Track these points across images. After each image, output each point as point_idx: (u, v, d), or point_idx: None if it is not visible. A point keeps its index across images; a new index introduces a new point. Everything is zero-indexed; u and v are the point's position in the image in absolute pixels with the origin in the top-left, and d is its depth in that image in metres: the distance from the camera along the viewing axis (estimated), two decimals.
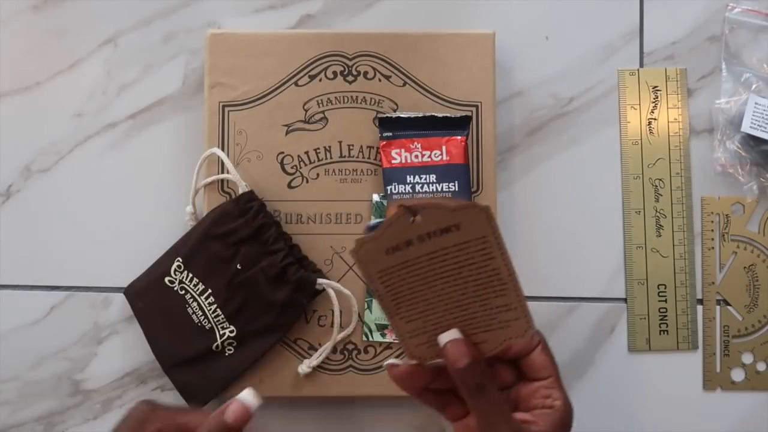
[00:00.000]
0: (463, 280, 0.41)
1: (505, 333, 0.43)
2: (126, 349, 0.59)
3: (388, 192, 0.56)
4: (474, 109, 0.58)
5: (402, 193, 0.55)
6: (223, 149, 0.57)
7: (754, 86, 0.60)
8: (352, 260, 0.42)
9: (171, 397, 0.58)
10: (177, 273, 0.56)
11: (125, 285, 0.57)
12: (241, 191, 0.55)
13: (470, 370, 0.41)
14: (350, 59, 0.58)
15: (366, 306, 0.56)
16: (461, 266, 0.41)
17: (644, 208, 0.60)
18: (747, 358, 0.59)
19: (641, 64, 0.62)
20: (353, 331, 0.56)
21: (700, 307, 0.60)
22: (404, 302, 0.43)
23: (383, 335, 0.56)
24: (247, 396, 0.43)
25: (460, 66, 0.58)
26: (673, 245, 0.60)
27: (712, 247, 0.60)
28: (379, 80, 0.58)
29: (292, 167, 0.57)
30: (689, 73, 0.62)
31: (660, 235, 0.60)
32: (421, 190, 0.56)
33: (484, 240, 0.40)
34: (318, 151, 0.57)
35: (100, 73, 0.61)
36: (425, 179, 0.56)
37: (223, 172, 0.57)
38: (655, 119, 0.61)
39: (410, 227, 0.40)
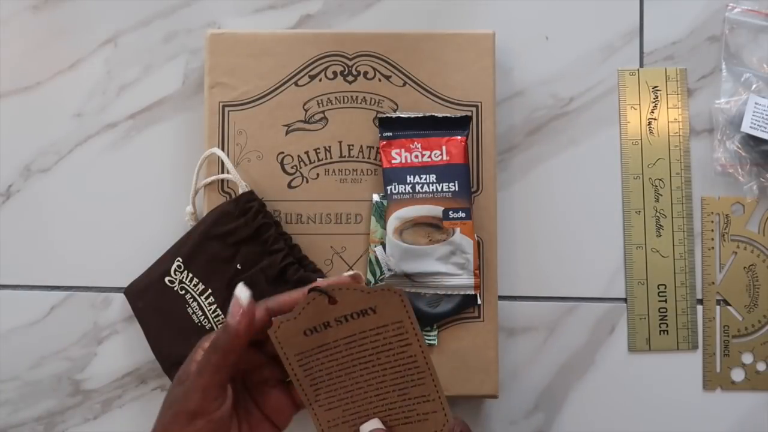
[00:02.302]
0: (382, 367, 0.41)
1: (424, 427, 0.42)
2: (126, 349, 0.59)
3: (388, 192, 0.56)
4: (474, 109, 0.58)
5: (402, 192, 0.55)
6: (223, 149, 0.57)
7: (754, 86, 0.60)
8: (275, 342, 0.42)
9: None
10: (177, 273, 0.56)
11: (125, 285, 0.57)
12: (241, 191, 0.55)
13: None
14: (350, 59, 0.58)
15: None
16: (379, 352, 0.41)
17: (644, 208, 0.60)
18: (747, 358, 0.60)
19: (641, 64, 0.62)
20: None
21: (700, 307, 0.60)
22: (323, 388, 0.42)
23: None
24: (240, 292, 0.41)
25: (460, 66, 0.58)
26: (673, 245, 0.60)
27: (712, 247, 0.60)
28: (379, 80, 0.58)
29: (292, 167, 0.57)
30: (689, 73, 0.62)
31: (660, 235, 0.60)
32: (421, 190, 0.56)
33: (400, 325, 0.40)
34: (318, 151, 0.57)
35: (100, 73, 0.61)
36: (425, 179, 0.56)
37: (223, 172, 0.57)
38: (655, 119, 0.61)
39: (327, 309, 0.40)
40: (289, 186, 0.57)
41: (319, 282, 0.41)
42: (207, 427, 0.41)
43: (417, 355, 0.41)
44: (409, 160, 0.56)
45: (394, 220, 0.55)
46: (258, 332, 0.42)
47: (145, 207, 0.60)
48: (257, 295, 0.55)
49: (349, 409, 0.42)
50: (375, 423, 0.42)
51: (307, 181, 0.57)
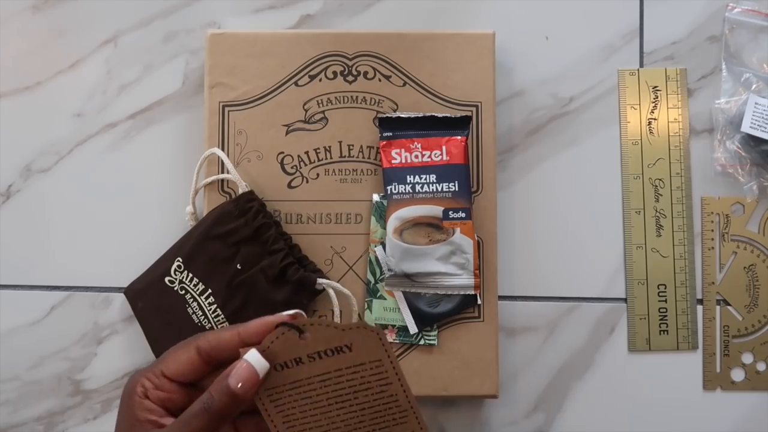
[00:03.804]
0: (360, 407, 0.39)
1: None
2: (126, 349, 0.59)
3: (388, 192, 0.56)
4: (474, 109, 0.58)
5: (402, 192, 0.55)
6: (223, 149, 0.57)
7: (754, 86, 0.60)
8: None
9: None
10: (177, 273, 0.56)
11: (125, 285, 0.57)
12: (241, 191, 0.55)
13: None
14: (350, 59, 0.58)
15: (366, 306, 0.56)
16: (356, 391, 0.39)
17: (644, 208, 0.60)
18: (747, 358, 0.60)
19: (641, 64, 0.62)
20: None
21: (700, 307, 0.60)
22: (297, 426, 0.40)
23: None
24: (253, 358, 0.38)
25: (460, 66, 0.58)
26: (673, 245, 0.60)
27: (712, 247, 0.60)
28: (379, 80, 0.58)
29: (292, 167, 0.57)
30: (689, 73, 0.62)
31: (660, 235, 0.60)
32: (421, 190, 0.56)
33: (379, 363, 0.38)
34: (318, 151, 0.57)
35: (100, 73, 0.61)
36: (425, 179, 0.56)
37: (223, 172, 0.57)
38: (655, 119, 0.61)
39: (298, 344, 0.38)
40: (289, 186, 0.57)
41: (290, 316, 0.39)
42: None
43: (398, 394, 0.39)
44: (409, 160, 0.56)
45: (394, 220, 0.55)
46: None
47: (145, 207, 0.60)
48: (257, 295, 0.55)
49: None
50: None
51: (307, 181, 0.57)
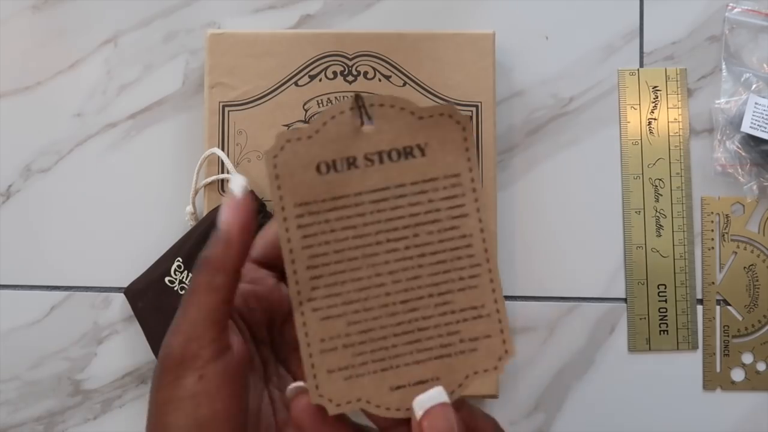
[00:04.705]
0: (418, 251, 0.27)
1: (470, 363, 0.29)
2: (126, 349, 0.59)
3: None
4: (474, 109, 0.58)
5: None
6: (223, 149, 0.57)
7: (754, 86, 0.60)
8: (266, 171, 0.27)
9: None
10: (177, 273, 0.56)
11: (125, 285, 0.57)
12: None
13: None
14: (350, 59, 0.58)
15: None
16: (418, 223, 0.27)
17: (644, 208, 0.60)
18: (747, 358, 0.60)
19: (641, 64, 0.62)
20: None
21: (700, 307, 0.60)
22: (325, 277, 0.27)
23: None
24: (233, 183, 0.29)
25: (460, 66, 0.58)
26: (673, 245, 0.60)
27: (712, 247, 0.60)
28: (379, 80, 0.58)
29: None
30: (689, 73, 0.62)
31: (660, 235, 0.60)
32: None
33: (457, 180, 0.27)
34: None
35: (100, 73, 0.61)
36: None
37: (223, 172, 0.57)
38: (655, 119, 0.61)
39: (356, 135, 0.27)
40: None
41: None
42: (203, 387, 0.27)
43: (473, 235, 0.27)
44: None
45: None
46: (272, 255, 0.29)
47: (145, 207, 0.60)
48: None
49: (357, 324, 0.27)
50: (438, 394, 0.27)
51: None
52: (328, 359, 0.27)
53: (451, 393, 0.28)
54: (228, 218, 0.28)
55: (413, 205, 0.27)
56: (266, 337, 0.32)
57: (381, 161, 0.27)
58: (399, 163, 0.27)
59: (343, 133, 0.27)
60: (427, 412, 0.27)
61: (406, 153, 0.27)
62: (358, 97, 0.27)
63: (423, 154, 0.27)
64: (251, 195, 0.28)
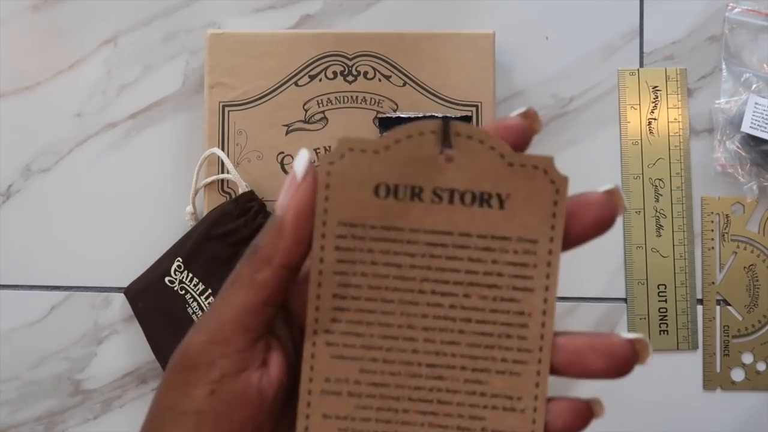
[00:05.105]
0: (465, 314, 0.24)
1: None
2: (126, 349, 0.59)
3: None
4: (474, 109, 0.58)
5: None
6: (223, 149, 0.57)
7: (754, 86, 0.60)
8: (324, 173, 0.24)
9: None
10: (177, 273, 0.56)
11: (125, 285, 0.57)
12: (241, 191, 0.55)
13: None
14: (350, 59, 0.58)
15: None
16: (474, 283, 0.24)
17: (644, 208, 0.60)
18: (747, 358, 0.60)
19: (641, 64, 0.62)
20: None
21: (700, 307, 0.60)
22: (350, 312, 0.24)
23: None
24: (298, 162, 0.25)
25: (460, 66, 0.58)
26: (673, 245, 0.60)
27: (712, 247, 0.60)
28: (379, 80, 0.58)
29: (292, 167, 0.57)
30: (689, 73, 0.62)
31: (660, 235, 0.60)
32: None
33: (532, 246, 0.24)
34: (318, 151, 0.57)
35: (100, 73, 0.61)
36: None
37: (223, 172, 0.57)
38: (655, 119, 0.61)
39: (431, 164, 0.23)
40: None
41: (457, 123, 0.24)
42: (211, 405, 0.23)
43: (533, 315, 0.25)
44: None
45: None
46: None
47: (145, 207, 0.60)
48: None
49: (370, 375, 0.24)
50: None
51: None
52: (327, 402, 0.24)
53: None
54: (283, 201, 0.24)
55: (473, 261, 0.24)
56: None
57: (451, 201, 0.24)
58: (471, 209, 0.24)
59: (417, 158, 0.23)
60: None
61: (483, 200, 0.24)
62: (445, 122, 0.23)
63: (501, 206, 0.24)
64: (315, 174, 0.24)
